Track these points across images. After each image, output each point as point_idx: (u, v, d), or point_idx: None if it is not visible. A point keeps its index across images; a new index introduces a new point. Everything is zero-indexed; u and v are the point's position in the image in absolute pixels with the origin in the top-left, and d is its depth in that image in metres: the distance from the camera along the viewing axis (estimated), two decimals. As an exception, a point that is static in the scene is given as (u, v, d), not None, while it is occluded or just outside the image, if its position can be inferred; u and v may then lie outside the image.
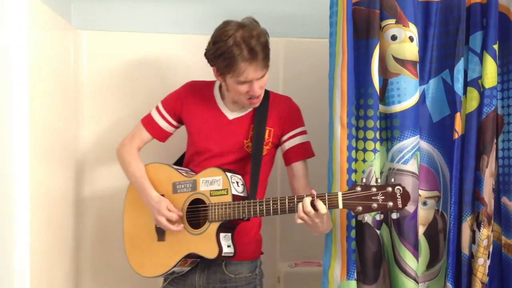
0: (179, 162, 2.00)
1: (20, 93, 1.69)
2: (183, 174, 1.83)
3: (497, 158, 1.74)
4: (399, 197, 1.47)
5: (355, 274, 1.69)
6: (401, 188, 1.48)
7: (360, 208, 1.50)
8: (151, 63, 2.30)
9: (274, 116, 1.85)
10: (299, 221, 1.57)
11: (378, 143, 1.71)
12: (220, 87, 1.91)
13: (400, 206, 1.48)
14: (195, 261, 1.83)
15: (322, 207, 1.53)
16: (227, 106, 1.88)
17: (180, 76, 2.10)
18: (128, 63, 2.29)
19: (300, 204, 1.55)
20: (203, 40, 2.04)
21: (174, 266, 1.78)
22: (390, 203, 1.48)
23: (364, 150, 1.71)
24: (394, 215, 1.53)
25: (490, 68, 1.70)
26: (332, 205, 1.53)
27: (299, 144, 1.86)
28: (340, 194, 1.52)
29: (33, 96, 1.74)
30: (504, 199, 1.72)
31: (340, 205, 1.52)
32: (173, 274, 1.84)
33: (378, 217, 1.56)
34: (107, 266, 1.98)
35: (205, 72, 2.01)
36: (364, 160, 1.72)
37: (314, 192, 1.58)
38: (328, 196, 1.54)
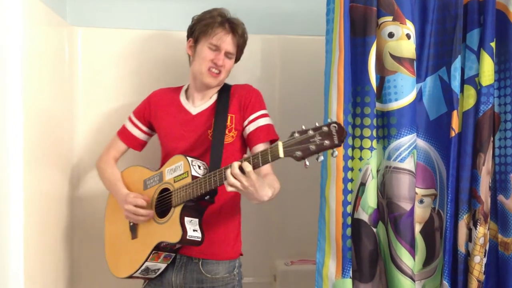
0: None
1: (14, 90, 1.68)
2: (152, 171, 1.86)
3: (493, 156, 1.74)
4: (335, 134, 1.41)
5: (351, 272, 1.69)
6: (336, 125, 1.42)
7: (299, 153, 1.44)
8: (147, 60, 2.29)
9: (235, 102, 1.88)
10: (230, 188, 1.55)
11: (374, 141, 1.70)
12: (187, 89, 1.96)
13: (336, 142, 1.42)
14: (169, 256, 1.82)
15: (246, 166, 1.52)
16: (191, 104, 1.92)
17: (175, 73, 2.09)
18: (123, 60, 2.28)
19: (228, 170, 1.55)
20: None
21: (146, 261, 1.77)
22: (327, 142, 1.42)
23: (361, 148, 1.71)
24: (336, 153, 1.43)
25: (487, 65, 1.70)
26: (274, 157, 1.48)
27: (260, 126, 1.85)
28: (280, 143, 1.47)
29: (28, 93, 1.73)
30: (501, 197, 1.72)
31: (281, 154, 1.46)
32: (149, 272, 1.82)
33: (319, 159, 1.44)
34: (101, 265, 1.97)
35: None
36: (360, 158, 1.71)
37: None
38: (270, 149, 1.49)
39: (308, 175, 1.75)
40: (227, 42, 1.83)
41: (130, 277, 1.83)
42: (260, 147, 1.82)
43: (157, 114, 1.95)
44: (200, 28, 1.84)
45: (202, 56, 1.84)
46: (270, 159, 1.49)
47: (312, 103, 2.15)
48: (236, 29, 1.84)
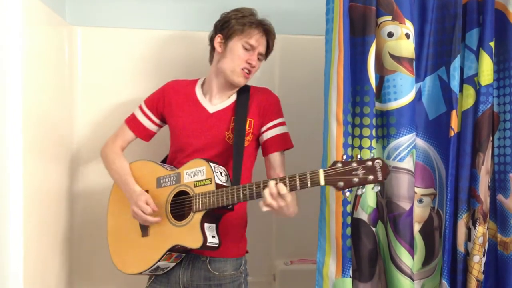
0: (164, 163, 2.00)
1: (14, 89, 1.68)
2: (167, 169, 1.84)
3: (492, 155, 1.74)
4: (379, 170, 1.48)
5: (351, 271, 1.69)
6: (380, 162, 1.48)
7: (341, 183, 1.50)
8: (146, 59, 2.29)
9: (254, 106, 1.88)
10: (265, 208, 1.57)
11: (374, 141, 1.70)
12: (203, 84, 1.95)
13: (380, 178, 1.48)
14: (180, 256, 1.82)
15: (281, 188, 1.54)
16: (208, 100, 1.90)
17: (174, 72, 2.10)
18: (122, 59, 2.28)
19: (266, 190, 1.56)
20: (198, 37, 2.05)
21: (159, 261, 1.76)
22: (371, 177, 1.48)
23: (360, 147, 1.71)
24: (376, 189, 1.51)
25: (486, 65, 1.70)
26: (314, 183, 1.53)
27: (278, 135, 1.87)
28: (321, 171, 1.52)
29: (28, 92, 1.73)
30: (500, 197, 1.73)
31: (322, 182, 1.51)
32: (158, 270, 1.83)
33: (359, 192, 1.53)
34: (100, 260, 1.97)
35: (199, 68, 2.02)
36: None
37: (281, 175, 1.61)
38: (310, 174, 1.53)
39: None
40: (262, 43, 1.85)
41: (139, 274, 1.83)
42: (276, 156, 1.86)
43: (171, 106, 1.92)
44: (235, 26, 1.82)
45: (236, 54, 1.83)
46: (309, 184, 1.53)
47: (311, 103, 2.15)
48: (270, 31, 1.87)
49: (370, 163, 1.48)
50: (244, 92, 1.89)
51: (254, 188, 1.62)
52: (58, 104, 2.09)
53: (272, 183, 1.56)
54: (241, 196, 1.64)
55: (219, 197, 1.67)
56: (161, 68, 2.28)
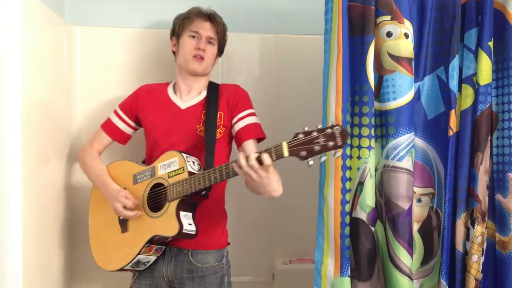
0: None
1: (13, 89, 1.68)
2: (142, 166, 1.89)
3: (491, 155, 1.75)
4: (338, 136, 1.51)
5: (349, 271, 1.69)
6: (339, 128, 1.51)
7: (304, 152, 1.53)
8: (145, 58, 2.30)
9: (223, 101, 1.93)
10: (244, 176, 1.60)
11: (373, 140, 1.70)
12: (174, 85, 2.01)
13: (339, 143, 1.51)
14: (160, 249, 1.85)
15: (266, 159, 1.56)
16: (179, 98, 1.96)
17: (172, 71, 2.09)
18: (121, 59, 2.29)
19: (244, 160, 1.58)
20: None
21: (139, 254, 1.79)
22: (331, 143, 1.51)
23: (359, 147, 1.71)
24: (338, 154, 1.53)
25: (485, 65, 1.70)
26: (279, 155, 1.55)
27: (249, 124, 1.92)
28: (285, 143, 1.55)
29: (27, 91, 1.73)
30: (498, 196, 1.73)
31: (286, 153, 1.54)
32: (139, 265, 1.85)
33: (323, 159, 1.60)
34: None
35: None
36: (359, 157, 1.71)
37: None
38: (274, 148, 1.56)
39: (307, 174, 1.76)
40: (206, 28, 1.91)
41: (120, 269, 1.86)
42: (250, 144, 1.89)
43: (144, 107, 1.98)
44: (180, 23, 1.94)
45: (185, 46, 1.92)
46: (274, 157, 1.55)
47: (310, 102, 2.15)
48: (213, 16, 1.93)
49: (329, 130, 1.51)
50: (214, 89, 1.96)
51: (224, 168, 1.65)
52: (57, 103, 2.10)
53: (253, 155, 1.57)
54: (212, 178, 1.67)
55: (192, 184, 1.70)
56: (160, 67, 2.28)
